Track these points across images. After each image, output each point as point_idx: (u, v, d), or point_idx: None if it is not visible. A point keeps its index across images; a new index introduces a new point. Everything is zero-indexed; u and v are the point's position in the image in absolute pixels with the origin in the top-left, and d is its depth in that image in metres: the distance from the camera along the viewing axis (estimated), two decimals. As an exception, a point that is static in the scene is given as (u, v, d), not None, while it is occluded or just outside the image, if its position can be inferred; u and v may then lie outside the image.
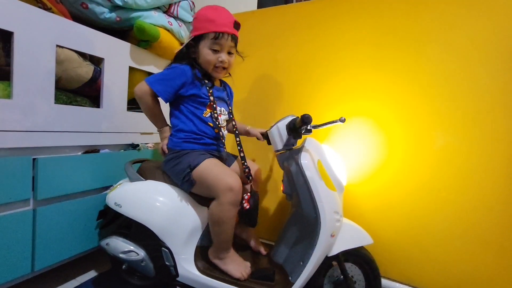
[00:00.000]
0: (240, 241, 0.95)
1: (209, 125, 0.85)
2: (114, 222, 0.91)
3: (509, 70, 0.81)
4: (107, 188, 0.95)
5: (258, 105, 1.22)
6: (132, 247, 0.82)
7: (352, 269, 0.82)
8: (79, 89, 0.96)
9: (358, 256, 0.81)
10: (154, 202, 0.80)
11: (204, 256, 0.83)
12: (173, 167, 0.82)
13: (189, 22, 1.28)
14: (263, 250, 0.93)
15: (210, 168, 0.78)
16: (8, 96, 0.72)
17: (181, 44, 0.88)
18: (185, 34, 1.25)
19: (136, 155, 1.06)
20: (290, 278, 0.78)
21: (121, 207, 0.82)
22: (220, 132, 0.86)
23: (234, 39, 0.83)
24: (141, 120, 0.91)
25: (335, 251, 0.76)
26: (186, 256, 0.80)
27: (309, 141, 0.84)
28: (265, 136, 0.95)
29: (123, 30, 1.11)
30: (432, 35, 0.90)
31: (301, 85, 1.12)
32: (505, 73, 0.82)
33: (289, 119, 0.83)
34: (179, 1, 1.23)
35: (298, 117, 0.77)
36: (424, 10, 0.91)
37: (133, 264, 0.83)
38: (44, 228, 0.78)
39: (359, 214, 0.97)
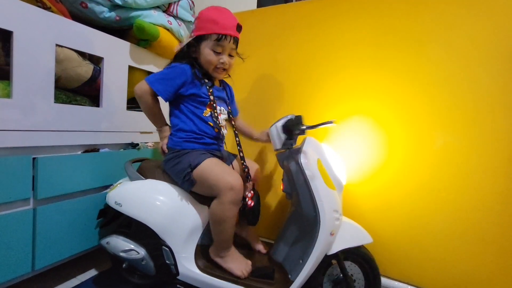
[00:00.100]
0: (240, 239, 0.95)
1: (209, 125, 0.85)
2: (114, 221, 0.92)
3: (509, 70, 0.81)
4: (107, 187, 0.95)
5: (258, 104, 1.22)
6: (132, 246, 0.82)
7: (352, 268, 0.82)
8: (79, 88, 0.96)
9: (358, 255, 0.81)
10: (154, 201, 0.80)
11: (204, 254, 0.83)
12: (174, 167, 0.83)
13: (189, 21, 1.27)
14: (262, 249, 0.94)
15: (211, 167, 0.78)
16: (8, 95, 0.72)
17: (181, 43, 0.88)
18: (185, 33, 1.24)
19: (136, 154, 1.06)
20: (289, 276, 0.78)
21: (121, 206, 0.82)
22: (220, 132, 0.86)
23: (236, 41, 0.84)
24: (140, 119, 0.91)
25: (334, 249, 0.76)
26: (186, 254, 0.80)
27: (309, 140, 0.84)
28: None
29: (122, 29, 1.11)
30: (432, 35, 0.90)
31: (301, 85, 1.12)
32: (505, 73, 0.81)
33: (289, 118, 0.83)
34: (179, 0, 1.22)
35: (290, 118, 0.78)
36: (424, 10, 0.91)
37: (134, 263, 0.84)
38: (44, 227, 0.78)
39: (359, 214, 0.97)
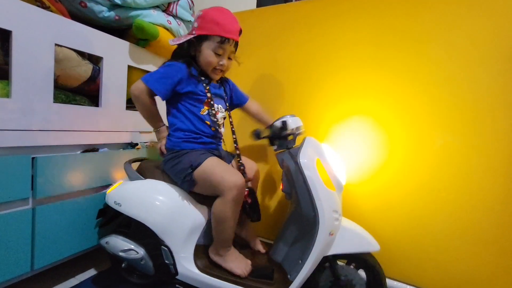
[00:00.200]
0: (239, 239, 0.95)
1: (206, 123, 0.85)
2: (113, 220, 0.92)
3: (510, 70, 0.81)
4: (106, 187, 0.95)
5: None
6: (131, 246, 0.82)
7: (355, 274, 0.80)
8: (78, 88, 0.96)
9: (362, 261, 0.80)
10: (153, 201, 0.80)
11: (203, 254, 0.83)
12: (173, 167, 0.82)
13: (188, 21, 1.27)
14: (262, 249, 0.93)
15: (212, 167, 0.78)
16: (7, 95, 0.72)
17: (179, 45, 0.87)
18: (184, 33, 1.24)
19: (135, 154, 1.06)
20: (288, 276, 0.78)
21: (120, 205, 0.82)
22: (218, 130, 0.86)
23: (236, 45, 0.86)
24: (140, 119, 0.90)
25: (332, 252, 0.76)
26: (185, 254, 0.80)
27: (309, 140, 0.84)
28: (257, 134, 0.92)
29: (121, 29, 1.11)
30: (432, 34, 0.90)
31: (301, 85, 1.12)
32: (505, 73, 0.81)
33: (288, 118, 0.83)
34: (178, 0, 1.22)
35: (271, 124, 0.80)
36: (424, 10, 0.91)
37: (133, 263, 0.84)
38: (43, 227, 0.78)
39: (359, 214, 0.97)
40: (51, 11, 0.84)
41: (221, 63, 0.84)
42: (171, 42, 0.87)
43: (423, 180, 0.91)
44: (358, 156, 1.00)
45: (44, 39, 0.78)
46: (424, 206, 0.90)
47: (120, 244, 0.83)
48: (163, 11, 1.18)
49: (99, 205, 0.92)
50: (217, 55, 0.83)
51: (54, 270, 0.92)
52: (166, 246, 0.79)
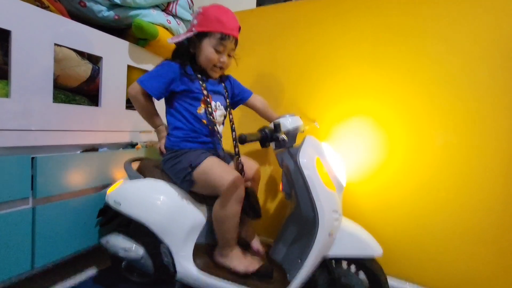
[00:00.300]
0: (239, 239, 0.95)
1: (203, 122, 0.85)
2: (114, 220, 0.92)
3: (511, 68, 0.80)
4: (106, 186, 0.95)
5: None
6: (131, 245, 0.83)
7: (357, 277, 0.80)
8: (78, 87, 0.96)
9: (365, 265, 0.78)
10: (153, 200, 0.81)
11: (203, 253, 0.84)
12: (173, 166, 0.83)
13: (188, 20, 1.27)
14: (261, 248, 0.93)
15: (212, 167, 0.78)
16: (6, 95, 0.72)
17: (179, 42, 0.87)
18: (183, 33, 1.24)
19: (135, 153, 1.06)
20: (288, 276, 0.78)
21: (120, 205, 0.82)
22: (215, 128, 0.85)
23: (236, 42, 0.85)
24: (139, 119, 0.90)
25: (338, 255, 0.76)
26: (184, 253, 0.80)
27: (309, 139, 0.84)
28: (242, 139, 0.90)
29: (121, 29, 1.11)
30: (433, 32, 0.89)
31: (301, 84, 1.11)
32: (507, 71, 0.81)
33: (287, 117, 0.83)
34: (178, -1, 1.22)
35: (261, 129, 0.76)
36: (425, 8, 0.90)
37: (133, 262, 0.84)
38: (43, 226, 0.78)
39: (359, 213, 0.97)
40: (51, 10, 0.84)
41: (221, 60, 0.84)
42: (169, 41, 0.87)
43: (423, 179, 0.90)
44: (358, 156, 1.00)
45: (43, 38, 0.78)
46: (424, 205, 0.90)
47: (120, 243, 0.84)
48: (163, 10, 1.18)
49: (99, 204, 0.92)
50: (218, 52, 0.82)
51: (54, 269, 0.93)
52: (166, 245, 0.79)
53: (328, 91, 1.06)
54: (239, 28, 0.85)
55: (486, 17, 0.83)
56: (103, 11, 1.00)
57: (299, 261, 0.75)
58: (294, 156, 0.78)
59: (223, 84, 0.93)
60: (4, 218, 0.70)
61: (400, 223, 0.93)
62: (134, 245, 0.83)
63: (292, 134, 0.82)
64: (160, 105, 0.90)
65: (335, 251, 0.76)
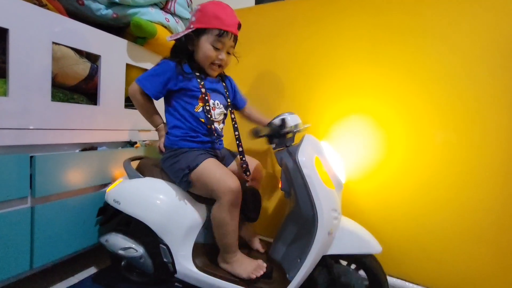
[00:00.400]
0: (239, 239, 0.95)
1: (201, 121, 0.84)
2: (113, 219, 0.92)
3: (511, 67, 0.80)
4: (105, 185, 0.95)
5: (256, 102, 1.20)
6: (131, 244, 0.83)
7: (357, 275, 0.80)
8: (76, 86, 0.95)
9: (363, 263, 0.79)
10: (152, 199, 0.80)
11: (202, 253, 0.84)
12: (171, 166, 0.82)
13: (186, 19, 1.26)
14: (261, 248, 0.93)
15: (209, 170, 0.77)
16: (4, 93, 0.72)
17: (177, 40, 0.86)
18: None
19: (134, 152, 1.06)
20: (287, 275, 0.78)
21: (119, 204, 0.82)
22: (213, 127, 0.84)
23: (235, 39, 0.84)
24: (138, 117, 0.90)
25: (333, 252, 0.76)
26: (184, 253, 0.80)
27: (308, 138, 0.83)
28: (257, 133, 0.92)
29: (119, 27, 1.10)
30: (432, 31, 0.89)
31: (300, 82, 1.11)
32: (506, 70, 0.80)
33: (287, 115, 0.83)
34: (177, -3, 1.21)
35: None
36: (424, 6, 0.90)
37: (132, 261, 0.84)
38: (42, 226, 0.78)
39: (358, 212, 0.97)
40: (48, 9, 0.83)
41: (220, 57, 0.82)
42: (168, 39, 0.86)
43: (423, 179, 0.90)
44: (357, 154, 1.00)
45: (41, 37, 0.77)
46: (423, 205, 0.90)
47: (119, 242, 0.83)
48: (161, 8, 1.18)
49: (98, 203, 0.92)
50: (216, 49, 0.81)
51: (53, 269, 0.93)
52: (165, 245, 0.79)
53: (327, 89, 1.06)
54: (239, 25, 0.83)
55: (486, 16, 0.83)
56: (101, 9, 1.00)
57: (299, 260, 0.75)
58: (293, 155, 0.78)
59: (223, 83, 0.92)
60: (2, 217, 0.70)
61: (399, 222, 0.93)
62: (133, 244, 0.83)
63: (294, 131, 0.83)
64: (159, 104, 0.89)
65: (334, 249, 0.76)
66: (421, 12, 0.91)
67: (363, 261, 0.78)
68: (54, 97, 0.86)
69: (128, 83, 1.02)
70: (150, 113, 0.87)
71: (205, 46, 0.81)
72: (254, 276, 0.76)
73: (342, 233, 0.78)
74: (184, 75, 0.82)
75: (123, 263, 0.86)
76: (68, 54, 0.88)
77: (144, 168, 0.90)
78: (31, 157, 0.75)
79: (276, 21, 1.16)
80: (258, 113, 1.02)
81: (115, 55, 1.00)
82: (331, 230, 0.74)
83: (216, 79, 0.91)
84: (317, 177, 0.75)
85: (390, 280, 0.93)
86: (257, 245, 0.94)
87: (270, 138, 0.83)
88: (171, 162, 0.82)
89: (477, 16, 0.84)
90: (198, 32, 0.81)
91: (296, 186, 0.77)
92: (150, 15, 1.08)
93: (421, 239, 0.90)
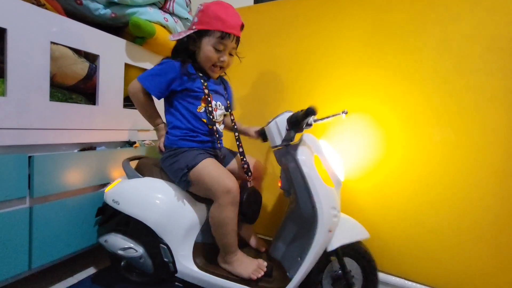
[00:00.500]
0: (238, 238, 0.95)
1: (203, 121, 0.84)
2: (112, 219, 0.91)
3: (508, 65, 0.81)
4: (104, 185, 0.95)
5: (255, 101, 1.21)
6: (130, 244, 0.82)
7: (350, 264, 0.82)
8: (75, 86, 0.95)
9: (355, 250, 0.81)
10: (151, 199, 0.80)
11: (202, 252, 0.83)
12: (171, 165, 0.82)
13: (185, 18, 1.26)
14: (261, 247, 0.93)
15: (207, 170, 0.77)
16: (2, 93, 0.72)
17: (179, 40, 0.86)
18: (181, 30, 1.23)
19: (133, 152, 1.05)
20: (288, 274, 0.78)
21: (119, 204, 0.82)
22: (215, 128, 0.84)
23: (238, 41, 0.83)
24: (137, 117, 0.90)
25: (333, 246, 0.76)
26: (184, 252, 0.80)
27: (307, 137, 0.84)
28: (260, 133, 0.93)
29: (118, 27, 1.10)
30: (431, 30, 0.90)
31: (299, 82, 1.11)
32: (503, 69, 0.81)
33: (287, 114, 0.83)
34: (175, -3, 1.21)
35: (299, 110, 0.77)
36: (423, 4, 0.91)
37: (132, 261, 0.84)
38: (41, 226, 0.78)
39: (357, 210, 0.97)
40: (47, 8, 0.83)
41: (221, 59, 0.82)
42: (171, 38, 0.86)
43: (422, 177, 0.91)
44: (356, 153, 1.00)
45: (39, 37, 0.77)
46: (421, 202, 0.91)
47: (119, 242, 0.83)
48: (160, 8, 1.18)
49: (97, 203, 0.91)
50: (217, 50, 0.81)
51: (52, 269, 0.92)
52: (165, 244, 0.79)
53: (326, 88, 1.06)
54: (242, 26, 0.82)
55: (485, 15, 0.83)
56: (100, 9, 0.99)
57: (299, 258, 0.76)
58: (292, 154, 0.78)
59: (223, 85, 0.93)
60: (1, 218, 0.69)
61: (398, 221, 0.94)
62: (133, 244, 0.82)
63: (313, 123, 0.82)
64: (159, 103, 0.89)
65: (332, 244, 0.76)
66: (420, 11, 0.91)
67: (356, 248, 0.80)
68: (53, 97, 0.86)
69: (127, 82, 1.02)
70: (150, 113, 0.87)
71: (207, 48, 0.81)
72: (255, 277, 0.75)
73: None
74: (188, 76, 0.82)
75: (122, 263, 0.86)
76: (67, 53, 0.88)
77: (143, 168, 0.90)
78: (30, 157, 0.75)
79: (275, 20, 1.16)
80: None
81: (113, 54, 1.00)
82: (331, 227, 0.75)
83: (217, 81, 0.91)
84: (316, 176, 0.75)
85: (390, 278, 0.94)
86: (257, 244, 0.94)
87: (297, 126, 0.78)
88: (170, 162, 0.82)
89: (476, 15, 0.84)
90: (200, 33, 0.81)
91: (296, 185, 0.78)
92: (149, 14, 1.08)
93: (420, 237, 0.91)
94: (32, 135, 0.77)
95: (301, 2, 1.11)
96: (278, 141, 0.83)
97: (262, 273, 0.77)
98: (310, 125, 0.79)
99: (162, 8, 1.19)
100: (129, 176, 0.88)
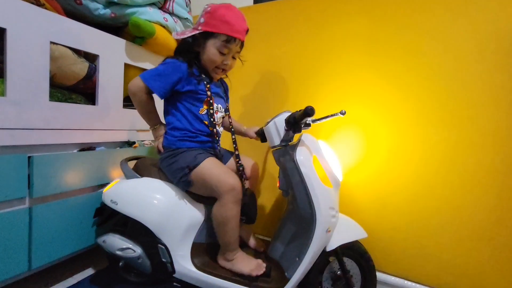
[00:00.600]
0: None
1: (204, 123, 0.85)
2: (110, 219, 0.92)
3: (506, 65, 0.81)
4: (103, 185, 0.95)
5: (255, 101, 1.21)
6: (128, 244, 0.82)
7: (348, 263, 0.82)
8: (74, 86, 0.95)
9: (353, 250, 0.81)
10: (149, 199, 0.80)
11: (200, 252, 0.83)
12: (170, 165, 0.82)
13: (185, 18, 1.26)
14: (259, 247, 0.94)
15: (210, 169, 0.77)
16: (2, 93, 0.72)
17: (182, 39, 0.85)
18: (181, 30, 1.23)
19: (132, 152, 1.05)
20: (286, 274, 0.78)
21: (117, 204, 0.82)
22: (215, 130, 0.85)
23: (242, 45, 0.84)
24: (137, 117, 0.90)
25: (332, 246, 0.76)
26: (182, 252, 0.80)
27: (305, 137, 0.84)
28: (259, 134, 0.94)
29: (117, 27, 1.10)
30: (430, 30, 0.90)
31: (298, 82, 1.12)
32: (502, 68, 0.81)
33: (286, 114, 0.83)
34: (175, -3, 1.21)
35: (297, 110, 0.77)
36: (423, 6, 0.91)
37: (130, 261, 0.84)
38: (40, 226, 0.78)
39: (355, 210, 0.97)
40: (46, 8, 0.83)
41: (225, 62, 0.82)
42: (175, 36, 0.85)
43: (419, 176, 0.91)
44: (355, 153, 1.00)
45: (39, 37, 0.77)
46: (420, 202, 0.91)
47: (117, 243, 0.83)
48: (160, 8, 1.17)
49: (96, 204, 0.91)
50: (222, 54, 0.80)
51: (51, 270, 0.92)
52: (163, 245, 0.79)
53: (325, 88, 1.06)
54: (247, 30, 0.82)
55: (483, 15, 0.83)
56: (99, 9, 0.99)
57: (297, 259, 0.76)
58: (291, 154, 0.78)
59: (222, 87, 0.93)
60: (0, 218, 0.69)
61: (396, 219, 0.94)
62: (131, 245, 0.82)
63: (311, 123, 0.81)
64: (158, 104, 0.89)
65: (331, 244, 0.77)
66: (420, 10, 0.91)
67: (354, 248, 0.81)
68: (52, 97, 0.86)
69: (126, 82, 1.02)
70: (149, 112, 0.87)
71: (211, 50, 0.80)
72: (255, 274, 0.76)
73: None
74: (194, 78, 0.82)
75: (120, 263, 0.86)
76: (66, 53, 0.88)
77: (142, 168, 0.90)
78: (29, 157, 0.75)
79: (274, 21, 1.16)
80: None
81: (113, 54, 1.00)
82: (329, 228, 0.75)
83: (218, 83, 0.92)
84: (315, 176, 0.75)
85: (389, 278, 0.94)
86: (255, 244, 0.94)
87: (291, 125, 0.77)
88: (169, 162, 0.82)
89: (475, 15, 0.85)
90: (205, 35, 0.80)
91: (294, 185, 0.78)
92: (149, 14, 1.08)
93: (419, 237, 0.91)
94: (32, 135, 0.77)
95: (301, 2, 1.11)
96: (277, 141, 0.83)
97: (261, 272, 0.77)
98: (309, 125, 0.78)
99: (162, 8, 1.18)
100: (127, 176, 0.88)
